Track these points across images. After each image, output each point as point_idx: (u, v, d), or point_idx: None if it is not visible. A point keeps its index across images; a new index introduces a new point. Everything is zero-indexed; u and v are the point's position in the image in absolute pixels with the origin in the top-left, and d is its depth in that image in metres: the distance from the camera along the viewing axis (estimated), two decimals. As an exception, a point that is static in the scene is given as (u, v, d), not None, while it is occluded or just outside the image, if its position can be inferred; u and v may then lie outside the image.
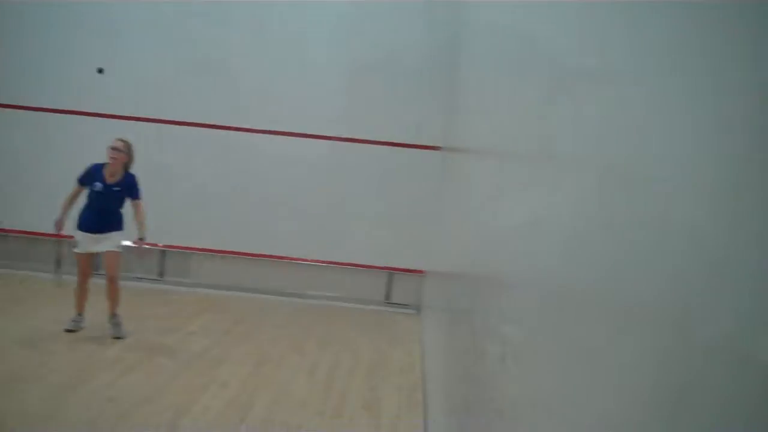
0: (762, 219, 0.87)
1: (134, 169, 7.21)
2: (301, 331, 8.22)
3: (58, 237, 7.21)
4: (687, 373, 1.02)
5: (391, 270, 9.69)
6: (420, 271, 9.57)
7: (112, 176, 7.01)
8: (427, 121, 9.47)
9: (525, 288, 2.41)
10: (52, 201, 7.46)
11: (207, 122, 9.67)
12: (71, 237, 7.12)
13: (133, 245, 7.27)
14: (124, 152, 7.06)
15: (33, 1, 9.59)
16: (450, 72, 8.64)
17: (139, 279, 9.69)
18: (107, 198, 6.99)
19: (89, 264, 7.12)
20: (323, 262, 9.73)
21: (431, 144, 9.44)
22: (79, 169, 7.12)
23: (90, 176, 7.01)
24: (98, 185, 6.97)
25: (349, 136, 9.63)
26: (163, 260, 9.84)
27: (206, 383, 6.12)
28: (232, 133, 9.68)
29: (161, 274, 9.83)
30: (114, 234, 7.08)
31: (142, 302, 8.78)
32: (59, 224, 7.00)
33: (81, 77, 9.61)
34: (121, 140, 7.12)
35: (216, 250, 9.78)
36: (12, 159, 9.68)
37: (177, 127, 9.64)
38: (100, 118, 9.60)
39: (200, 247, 9.79)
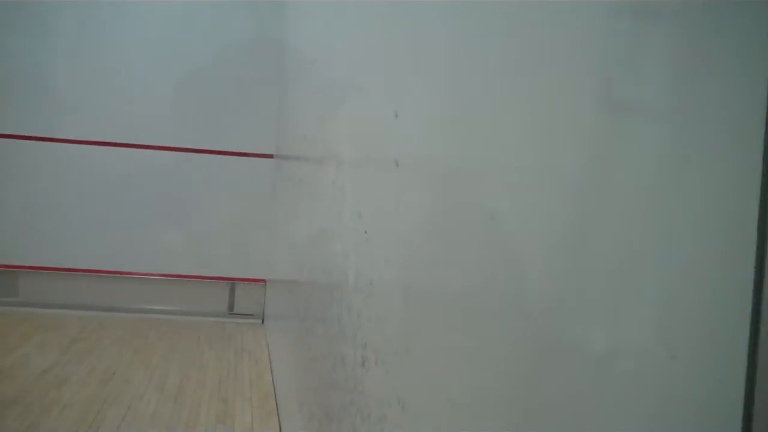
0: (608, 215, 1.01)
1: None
2: (145, 347, 8.02)
3: None
4: (535, 366, 1.16)
5: (233, 280, 9.62)
6: (262, 281, 9.55)
7: None
8: (259, 127, 9.48)
9: (381, 291, 2.52)
10: None
11: (27, 134, 9.23)
12: None
13: None
14: None
15: None
16: (281, 77, 8.72)
17: (-39, 301, 9.12)
18: None
19: None
20: (161, 275, 9.51)
21: (264, 152, 9.46)
22: None
23: None
24: None
25: (178, 146, 9.48)
26: (-12, 280, 9.30)
27: (49, 405, 5.87)
28: (57, 145, 9.29)
29: (-14, 294, 9.29)
30: None
31: (-33, 325, 8.28)
32: None
33: None
34: None
35: (46, 267, 9.35)
36: None
37: (-1, 139, 9.17)
38: None
39: (28, 264, 9.32)
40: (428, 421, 1.71)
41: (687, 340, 0.87)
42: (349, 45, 3.35)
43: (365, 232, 2.59)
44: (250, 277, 9.60)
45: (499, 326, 1.25)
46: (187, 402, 6.26)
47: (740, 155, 0.81)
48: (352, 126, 2.94)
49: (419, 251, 1.82)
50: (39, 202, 9.28)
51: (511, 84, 1.24)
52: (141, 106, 9.40)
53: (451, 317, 1.53)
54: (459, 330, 1.46)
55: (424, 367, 1.75)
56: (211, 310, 9.59)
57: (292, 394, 5.24)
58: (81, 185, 9.34)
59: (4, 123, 9.17)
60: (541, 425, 1.11)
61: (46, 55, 9.21)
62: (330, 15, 3.94)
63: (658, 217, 0.92)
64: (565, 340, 1.05)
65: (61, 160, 9.30)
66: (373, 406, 2.47)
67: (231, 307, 9.67)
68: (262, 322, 9.52)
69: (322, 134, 3.95)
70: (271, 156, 9.36)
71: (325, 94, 4.03)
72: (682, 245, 0.88)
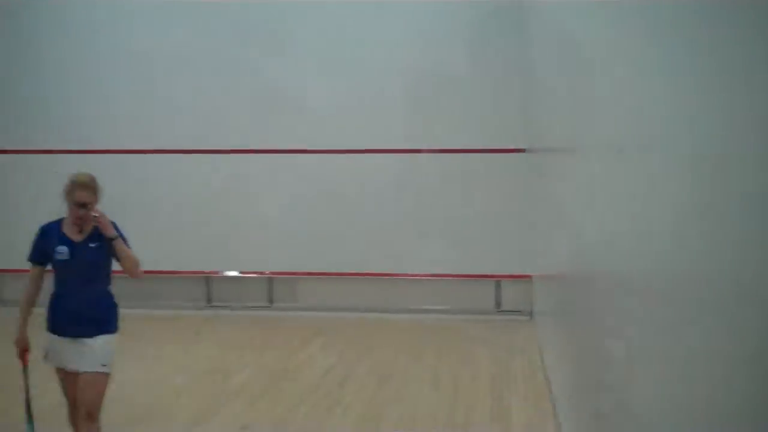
0: None
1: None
2: (418, 346, 8.21)
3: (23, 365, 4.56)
4: None
5: (498, 277, 9.59)
6: (527, 276, 9.45)
7: (80, 232, 4.48)
8: (505, 123, 9.44)
9: (643, 287, 2.33)
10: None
11: (283, 148, 9.79)
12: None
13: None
14: (95, 190, 4.51)
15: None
16: (527, 73, 8.59)
17: (249, 308, 9.85)
18: (83, 266, 4.44)
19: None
20: (427, 275, 9.70)
21: (512, 147, 9.40)
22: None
23: (45, 244, 4.48)
24: (63, 251, 4.42)
25: (428, 147, 9.63)
26: (271, 287, 9.97)
27: (332, 405, 6.16)
28: (314, 156, 9.78)
29: (270, 300, 9.96)
30: (101, 340, 4.46)
31: (255, 330, 8.93)
32: (22, 344, 4.46)
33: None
34: (87, 174, 4.59)
35: (322, 273, 9.86)
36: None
37: (260, 156, 9.81)
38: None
39: (306, 271, 9.88)
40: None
41: None
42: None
43: (631, 224, 2.42)
44: (515, 274, 9.52)
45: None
46: (461, 400, 6.31)
47: None
48: (618, 117, 2.77)
49: (685, 243, 1.67)
50: (309, 210, 9.82)
51: None
52: (377, 110, 9.69)
53: (723, 316, 1.37)
54: (731, 329, 1.30)
55: (693, 371, 1.58)
56: (478, 308, 9.62)
57: (566, 393, 5.09)
58: (346, 194, 9.76)
59: (264, 140, 9.81)
60: None
61: (288, 74, 9.77)
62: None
63: None
64: None
65: (326, 171, 9.79)
66: (642, 411, 2.30)
67: (498, 304, 9.65)
68: (531, 318, 9.42)
69: (585, 126, 3.79)
70: (522, 150, 9.29)
71: (583, 87, 3.87)
72: None
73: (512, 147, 9.45)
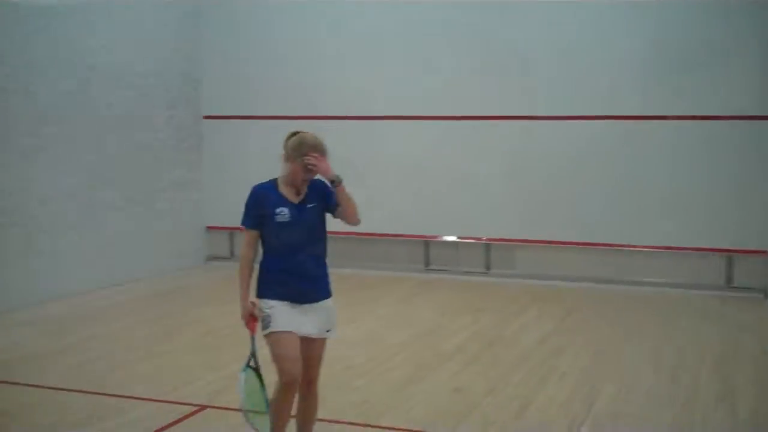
0: None
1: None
2: (638, 320, 7.92)
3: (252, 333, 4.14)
4: None
5: (730, 252, 9.00)
6: (763, 252, 8.81)
7: (298, 194, 4.21)
8: (747, 89, 8.81)
9: None
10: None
11: (508, 114, 9.68)
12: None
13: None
14: (324, 152, 4.22)
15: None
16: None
17: (466, 273, 9.92)
18: (305, 227, 4.17)
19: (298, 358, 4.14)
20: (653, 247, 9.29)
21: (756, 114, 8.75)
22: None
23: (261, 207, 4.16)
24: (284, 213, 4.13)
25: (676, 114, 9.15)
26: (488, 253, 9.97)
27: (546, 374, 6.08)
28: (540, 122, 9.60)
29: (487, 267, 9.98)
30: (328, 304, 4.29)
31: (471, 295, 8.99)
32: (249, 314, 4.10)
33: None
34: (313, 134, 4.33)
35: (540, 241, 9.73)
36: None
37: (483, 122, 9.77)
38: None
39: (524, 238, 9.79)
40: None
41: None
42: None
43: None
44: (750, 249, 8.90)
45: None
46: (683, 379, 6.01)
47: None
48: None
49: None
50: (529, 177, 9.69)
51: None
52: (614, 76, 9.31)
53: None
54: None
55: None
56: (706, 283, 9.10)
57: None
58: (569, 159, 9.54)
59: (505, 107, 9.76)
60: None
61: (526, 38, 9.59)
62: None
63: None
64: None
65: (562, 138, 9.61)
66: None
67: (729, 280, 9.07)
68: (765, 296, 8.79)
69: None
70: (764, 118, 8.66)
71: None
72: None
73: (754, 114, 8.82)
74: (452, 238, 10.09)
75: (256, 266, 4.13)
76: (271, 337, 4.04)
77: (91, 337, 7.03)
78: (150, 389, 5.66)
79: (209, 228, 10.95)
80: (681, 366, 6.36)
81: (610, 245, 9.41)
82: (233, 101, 10.79)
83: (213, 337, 7.15)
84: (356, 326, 7.58)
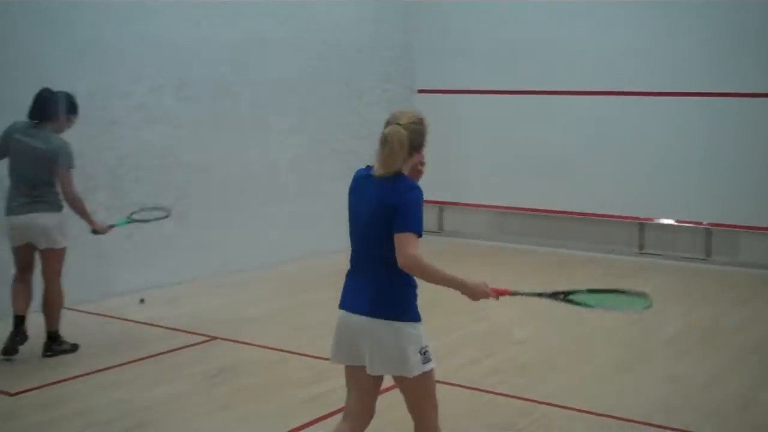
0: None
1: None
2: None
3: None
4: None
5: None
6: None
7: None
8: None
9: None
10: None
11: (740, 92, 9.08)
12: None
13: None
14: None
15: None
16: None
17: (686, 259, 9.45)
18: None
19: None
20: None
21: None
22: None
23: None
24: None
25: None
26: (710, 239, 9.44)
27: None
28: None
29: (707, 253, 9.45)
30: None
31: (689, 283, 8.56)
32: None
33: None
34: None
35: (766, 228, 9.08)
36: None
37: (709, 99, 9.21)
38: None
39: (750, 224, 9.17)
40: None
41: None
42: None
43: None
44: None
45: None
46: None
47: None
48: None
49: None
50: (759, 160, 9.06)
51: None
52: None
53: None
54: None
55: None
56: None
57: None
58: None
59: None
60: None
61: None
62: None
63: None
64: None
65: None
66: None
67: None
68: None
69: None
70: None
71: None
72: None
73: None
74: (669, 221, 9.64)
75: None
76: (431, 376, 3.27)
77: (307, 302, 7.34)
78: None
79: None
80: None
81: None
82: (448, 75, 10.81)
83: (422, 309, 7.24)
84: (565, 307, 7.41)
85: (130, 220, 6.13)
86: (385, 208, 3.12)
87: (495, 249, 10.22)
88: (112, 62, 7.39)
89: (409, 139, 3.19)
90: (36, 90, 5.64)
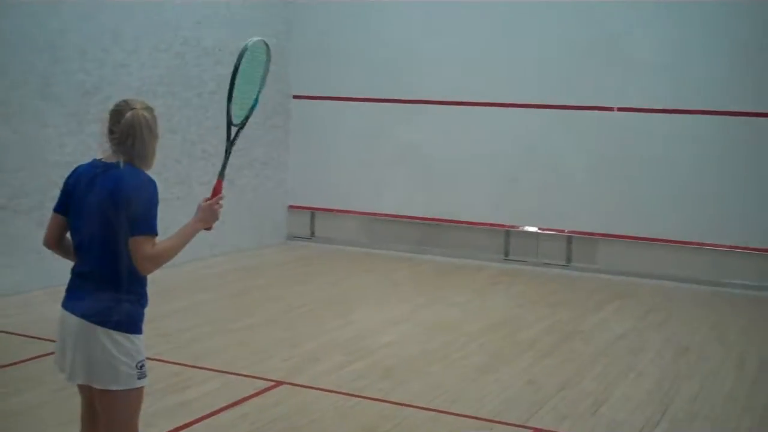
0: None
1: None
2: (722, 321, 7.71)
3: None
4: None
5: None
6: None
7: None
8: None
9: None
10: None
11: (594, 105, 9.52)
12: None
13: None
14: None
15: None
16: None
17: (546, 265, 9.82)
18: None
19: None
20: (734, 247, 9.02)
21: None
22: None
23: None
24: None
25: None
26: (570, 246, 9.84)
27: (624, 371, 5.99)
28: (627, 114, 9.43)
29: (568, 260, 9.85)
30: None
31: (550, 288, 8.90)
32: None
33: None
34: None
35: (622, 236, 9.55)
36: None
37: (568, 111, 9.62)
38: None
39: (606, 232, 9.63)
40: None
41: None
42: None
43: None
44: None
45: None
46: (766, 384, 5.85)
47: None
48: None
49: None
50: (613, 171, 9.51)
51: None
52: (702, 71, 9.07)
53: None
54: None
55: None
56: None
57: None
58: (658, 155, 9.34)
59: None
60: None
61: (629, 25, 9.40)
62: None
63: None
64: None
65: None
66: None
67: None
68: None
69: None
70: None
71: None
72: None
73: None
74: (533, 229, 9.99)
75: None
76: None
77: (173, 310, 7.22)
78: (228, 362, 5.80)
79: (291, 207, 11.10)
80: (766, 370, 6.20)
81: (699, 244, 9.17)
82: (323, 81, 10.85)
83: (290, 315, 7.26)
84: (432, 312, 7.60)
85: None
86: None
87: (367, 255, 10.33)
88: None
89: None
90: None
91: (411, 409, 5.05)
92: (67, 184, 3.13)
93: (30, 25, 7.48)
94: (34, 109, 7.61)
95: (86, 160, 3.20)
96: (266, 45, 3.47)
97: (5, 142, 7.38)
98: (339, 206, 10.86)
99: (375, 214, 10.70)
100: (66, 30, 7.82)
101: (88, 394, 3.12)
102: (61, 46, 7.80)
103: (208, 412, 4.85)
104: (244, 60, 3.32)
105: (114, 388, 2.98)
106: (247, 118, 3.39)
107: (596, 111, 9.56)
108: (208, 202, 3.16)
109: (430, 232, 10.44)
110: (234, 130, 3.37)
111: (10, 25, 7.34)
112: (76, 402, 3.33)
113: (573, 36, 9.60)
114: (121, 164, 3.01)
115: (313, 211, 11.00)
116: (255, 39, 3.40)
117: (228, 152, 3.35)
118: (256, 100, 3.42)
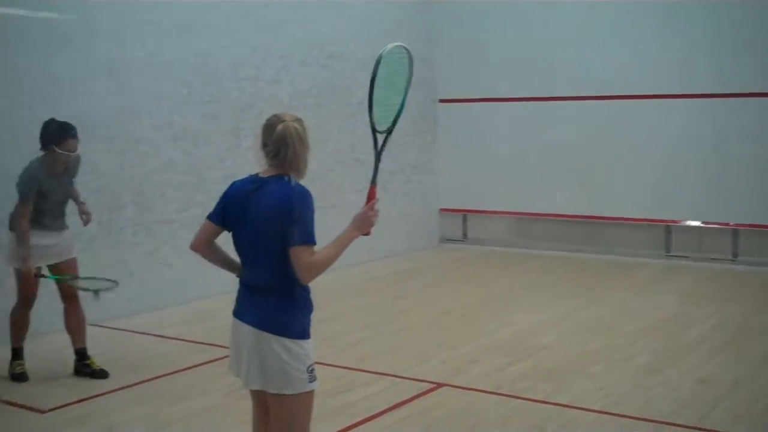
0: None
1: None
2: None
3: None
4: None
5: None
6: None
7: None
8: None
9: None
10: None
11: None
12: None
13: None
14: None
15: None
16: None
17: (711, 260, 9.38)
18: None
19: None
20: None
21: None
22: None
23: None
24: None
25: None
26: (736, 240, 9.35)
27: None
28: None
29: (734, 254, 9.36)
30: None
31: (715, 284, 8.49)
32: None
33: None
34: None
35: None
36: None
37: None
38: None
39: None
40: None
41: None
42: None
43: None
44: None
45: None
46: None
47: None
48: None
49: None
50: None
51: None
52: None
53: None
54: None
55: None
56: None
57: None
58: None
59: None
60: None
61: None
62: None
63: None
64: None
65: None
66: None
67: None
68: None
69: None
70: None
71: None
72: None
73: None
74: (696, 223, 9.57)
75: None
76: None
77: (333, 314, 7.37)
78: (389, 365, 5.87)
79: (443, 210, 11.13)
80: None
81: None
82: (470, 84, 10.82)
83: (447, 317, 7.27)
84: (592, 312, 7.42)
85: (66, 281, 5.60)
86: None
87: (521, 256, 10.21)
88: (135, 81, 7.48)
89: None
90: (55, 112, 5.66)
91: (575, 410, 4.94)
92: (225, 196, 3.25)
93: (181, 48, 7.87)
94: (196, 129, 8.00)
95: (244, 173, 3.31)
96: (406, 50, 3.47)
97: (174, 161, 7.79)
98: (491, 207, 10.80)
99: (528, 214, 10.57)
100: (216, 51, 8.18)
101: (262, 398, 3.23)
102: (215, 68, 8.16)
103: (371, 414, 4.92)
104: (381, 67, 3.35)
105: (288, 392, 3.08)
106: (393, 124, 3.41)
107: (763, 98, 9.04)
108: (363, 209, 3.21)
109: (586, 230, 10.20)
110: (381, 137, 3.40)
111: (170, 50, 7.74)
112: (246, 406, 3.46)
113: (726, 24, 9.15)
114: (289, 179, 3.10)
115: (465, 214, 11.00)
116: (391, 45, 3.42)
117: (377, 159, 3.38)
118: (402, 106, 3.44)
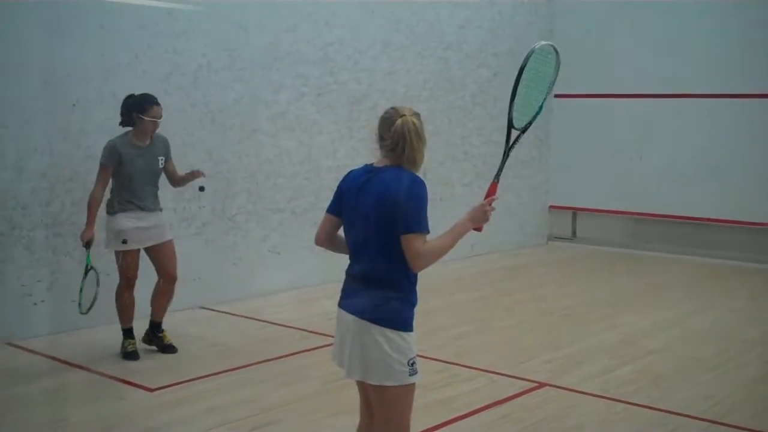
0: None
1: None
2: None
3: None
4: None
5: None
6: None
7: None
8: None
9: None
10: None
11: None
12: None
13: None
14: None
15: None
16: None
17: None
18: None
19: None
20: None
21: None
22: None
23: None
24: None
25: None
26: None
27: None
28: None
29: None
30: None
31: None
32: None
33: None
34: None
35: None
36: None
37: None
38: None
39: None
40: None
41: None
42: None
43: None
44: None
45: None
46: None
47: None
48: None
49: None
50: None
51: None
52: None
53: None
54: None
55: None
56: None
57: None
58: None
59: None
60: None
61: None
62: None
63: None
64: None
65: None
66: None
67: None
68: None
69: None
70: None
71: None
72: None
73: None
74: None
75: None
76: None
77: (435, 308, 7.38)
78: (490, 361, 5.84)
79: (552, 207, 10.97)
80: None
81: None
82: (586, 79, 10.59)
83: (553, 317, 7.17)
84: (704, 318, 7.18)
85: (89, 269, 5.69)
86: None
87: (631, 257, 9.97)
88: (256, 71, 7.66)
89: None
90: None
91: (682, 418, 4.79)
92: (340, 187, 3.28)
93: (303, 41, 8.00)
94: (311, 119, 8.14)
95: (356, 164, 3.34)
96: (555, 51, 3.45)
97: (288, 151, 7.95)
98: (602, 206, 10.57)
99: (640, 214, 10.29)
100: (339, 43, 8.29)
101: (364, 389, 3.27)
102: (334, 59, 8.27)
103: (470, 410, 4.91)
104: (530, 62, 3.33)
105: (388, 384, 3.10)
106: (530, 123, 3.40)
107: None
108: (481, 203, 3.19)
109: (701, 232, 9.86)
110: (515, 133, 3.38)
111: (286, 42, 7.89)
112: (346, 395, 3.51)
113: None
114: (403, 169, 3.11)
115: (574, 211, 10.80)
116: (543, 42, 3.41)
117: (506, 155, 3.37)
118: (541, 107, 3.43)
